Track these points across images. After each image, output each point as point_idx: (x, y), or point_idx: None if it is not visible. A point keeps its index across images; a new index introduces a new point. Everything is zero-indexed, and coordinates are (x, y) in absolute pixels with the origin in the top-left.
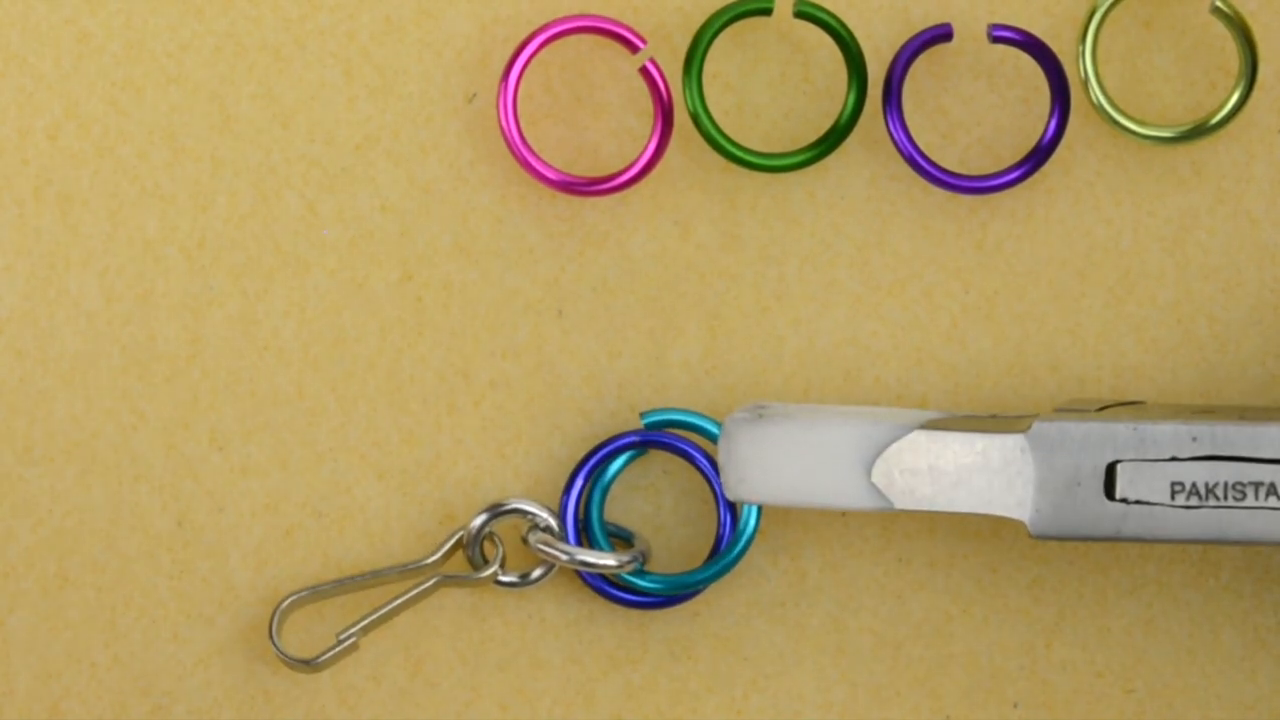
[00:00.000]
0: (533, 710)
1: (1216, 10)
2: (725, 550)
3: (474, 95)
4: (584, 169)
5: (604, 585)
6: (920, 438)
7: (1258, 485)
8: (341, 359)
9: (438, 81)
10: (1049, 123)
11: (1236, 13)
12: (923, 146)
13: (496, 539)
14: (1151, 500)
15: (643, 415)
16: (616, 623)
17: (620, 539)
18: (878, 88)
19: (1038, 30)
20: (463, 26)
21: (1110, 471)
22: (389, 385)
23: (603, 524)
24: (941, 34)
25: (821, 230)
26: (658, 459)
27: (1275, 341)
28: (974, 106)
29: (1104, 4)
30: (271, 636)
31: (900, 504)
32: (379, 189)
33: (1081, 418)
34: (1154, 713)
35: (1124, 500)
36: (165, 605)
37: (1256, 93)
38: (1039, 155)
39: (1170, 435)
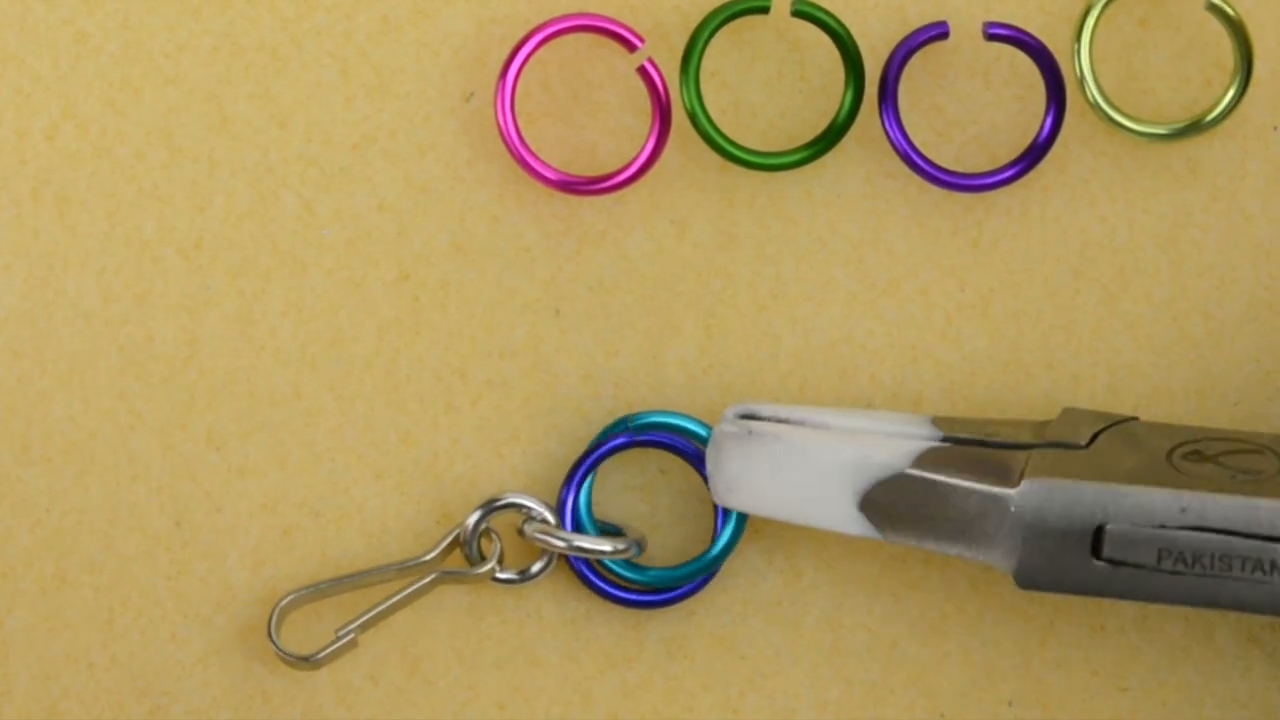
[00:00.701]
0: (530, 709)
1: (1212, 7)
2: (717, 539)
3: (472, 94)
4: (581, 168)
5: (601, 583)
6: (909, 481)
7: (1244, 559)
8: (339, 359)
9: (435, 81)
10: (1044, 120)
11: (1232, 10)
12: (919, 145)
13: (494, 535)
14: (1138, 563)
15: (630, 418)
16: (613, 621)
17: (614, 535)
18: (874, 86)
19: (1033, 28)
20: (460, 25)
21: (1098, 533)
22: (386, 385)
23: (593, 518)
24: (938, 32)
25: (818, 229)
26: (654, 458)
27: (1270, 338)
28: (970, 104)
29: (1099, 1)
30: (271, 635)
31: (887, 538)
32: (376, 188)
33: (1071, 473)
34: (1148, 711)
35: (1110, 561)
36: (163, 605)
37: (1252, 89)
38: (1035, 153)
39: (1160, 503)
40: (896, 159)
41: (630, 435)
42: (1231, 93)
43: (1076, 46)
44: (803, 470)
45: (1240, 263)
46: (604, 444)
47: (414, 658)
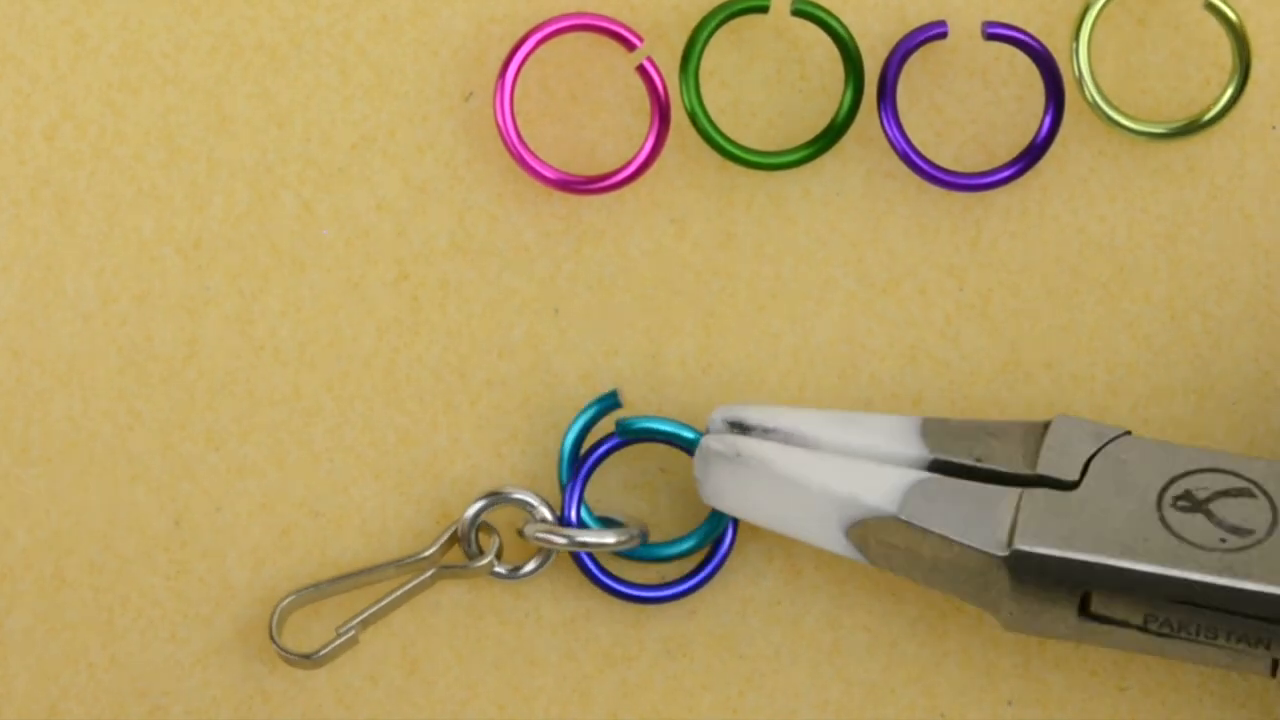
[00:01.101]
0: (529, 707)
1: (1210, 6)
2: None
3: (471, 94)
4: (581, 167)
5: (603, 576)
6: (898, 524)
7: (1230, 631)
8: (338, 358)
9: (434, 80)
10: (1043, 120)
11: (1230, 9)
12: (918, 144)
13: (493, 530)
14: (1124, 622)
15: (617, 422)
16: (613, 619)
17: (616, 526)
18: (873, 85)
19: (1032, 28)
20: (459, 25)
21: (1085, 595)
22: (385, 384)
23: (591, 515)
24: (937, 32)
25: (817, 228)
26: (654, 455)
27: (1270, 338)
28: (969, 104)
29: (1098, 1)
30: (272, 635)
31: (877, 565)
32: (375, 188)
33: (1061, 533)
34: (1148, 711)
35: (1096, 617)
36: (162, 605)
37: (1250, 89)
38: (1033, 152)
39: (1147, 578)
40: (895, 158)
41: (618, 437)
42: (1230, 92)
43: (1075, 46)
44: (791, 498)
45: (1239, 262)
46: (608, 442)
47: (413, 657)
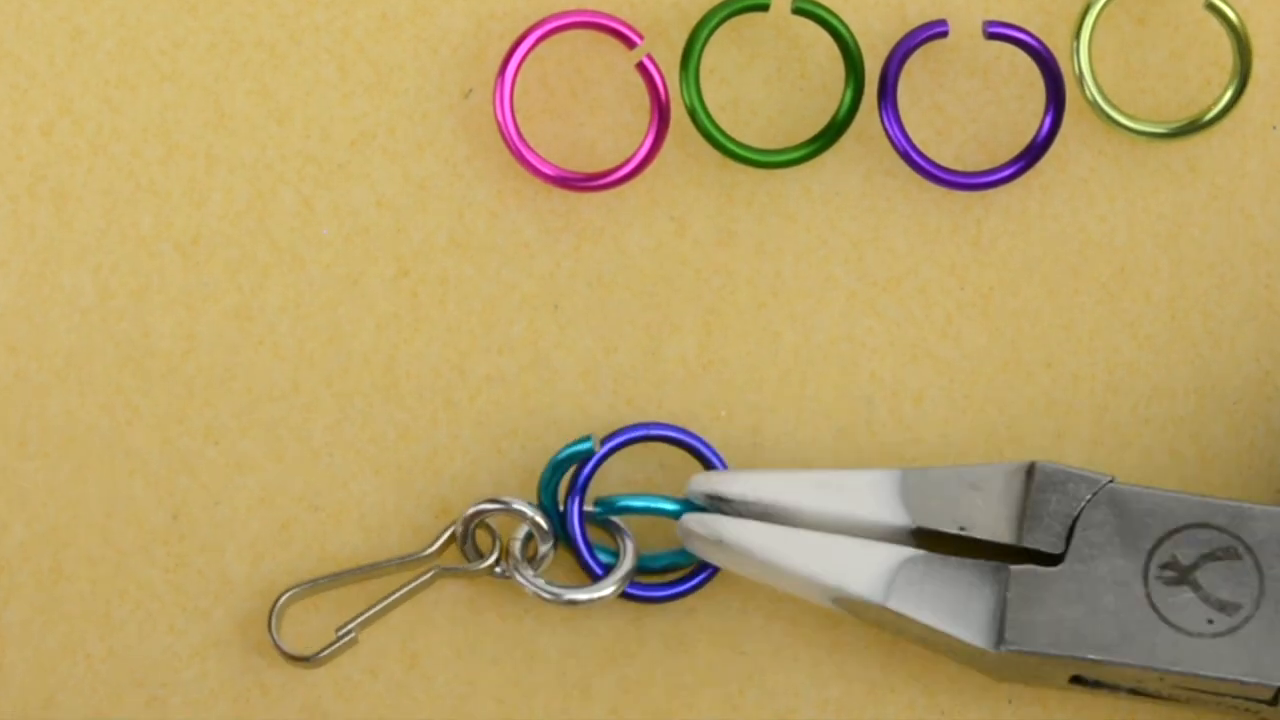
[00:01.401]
0: (529, 704)
1: (1210, 6)
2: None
3: (470, 91)
4: (580, 164)
5: (602, 572)
6: (884, 612)
7: (1218, 704)
8: (337, 354)
9: (434, 77)
10: (1044, 119)
11: (1231, 9)
12: (918, 143)
13: (494, 531)
14: (1115, 687)
15: (596, 501)
16: (613, 617)
17: (607, 529)
18: (874, 84)
19: (1033, 27)
20: (459, 22)
21: (1076, 675)
22: (385, 380)
23: (585, 533)
24: (937, 31)
25: (817, 226)
26: (655, 454)
27: (1270, 338)
28: (969, 103)
29: (1098, 1)
30: (271, 633)
31: (868, 624)
32: (375, 185)
33: (1048, 621)
34: (1146, 710)
35: (1086, 683)
36: (161, 599)
37: (1250, 89)
38: (1034, 152)
39: (1135, 669)
40: (896, 157)
41: (637, 432)
42: (1230, 92)
43: (1076, 45)
44: (776, 578)
45: (1239, 262)
46: (607, 443)
47: (413, 652)
